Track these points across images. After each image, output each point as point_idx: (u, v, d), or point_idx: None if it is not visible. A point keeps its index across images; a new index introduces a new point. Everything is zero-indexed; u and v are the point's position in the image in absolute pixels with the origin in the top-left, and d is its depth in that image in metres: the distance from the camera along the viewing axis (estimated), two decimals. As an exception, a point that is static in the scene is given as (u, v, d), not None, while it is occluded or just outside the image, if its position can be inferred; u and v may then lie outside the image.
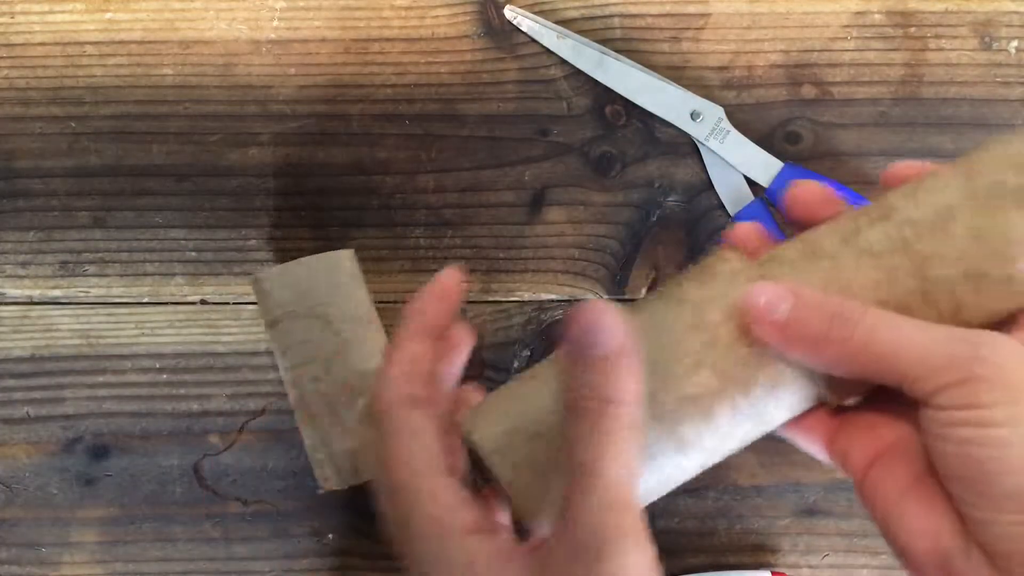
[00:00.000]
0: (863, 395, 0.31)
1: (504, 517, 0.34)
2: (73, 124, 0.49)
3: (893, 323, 0.28)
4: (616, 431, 0.27)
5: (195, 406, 0.48)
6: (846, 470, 0.32)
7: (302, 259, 0.43)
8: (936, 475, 0.29)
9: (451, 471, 0.30)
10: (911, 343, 0.28)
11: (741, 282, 0.31)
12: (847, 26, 0.50)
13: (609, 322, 0.27)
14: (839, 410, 0.32)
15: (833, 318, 0.28)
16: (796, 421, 0.32)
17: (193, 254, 0.49)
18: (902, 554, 0.29)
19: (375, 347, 0.43)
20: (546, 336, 0.49)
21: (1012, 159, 0.29)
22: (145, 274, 0.49)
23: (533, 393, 0.31)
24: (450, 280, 0.34)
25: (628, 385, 0.27)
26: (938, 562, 0.28)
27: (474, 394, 0.37)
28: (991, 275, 0.29)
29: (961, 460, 0.27)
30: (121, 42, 0.50)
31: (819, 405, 0.32)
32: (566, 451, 0.28)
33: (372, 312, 0.44)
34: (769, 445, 0.49)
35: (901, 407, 0.30)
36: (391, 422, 0.31)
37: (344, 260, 0.44)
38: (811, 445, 0.33)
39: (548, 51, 0.49)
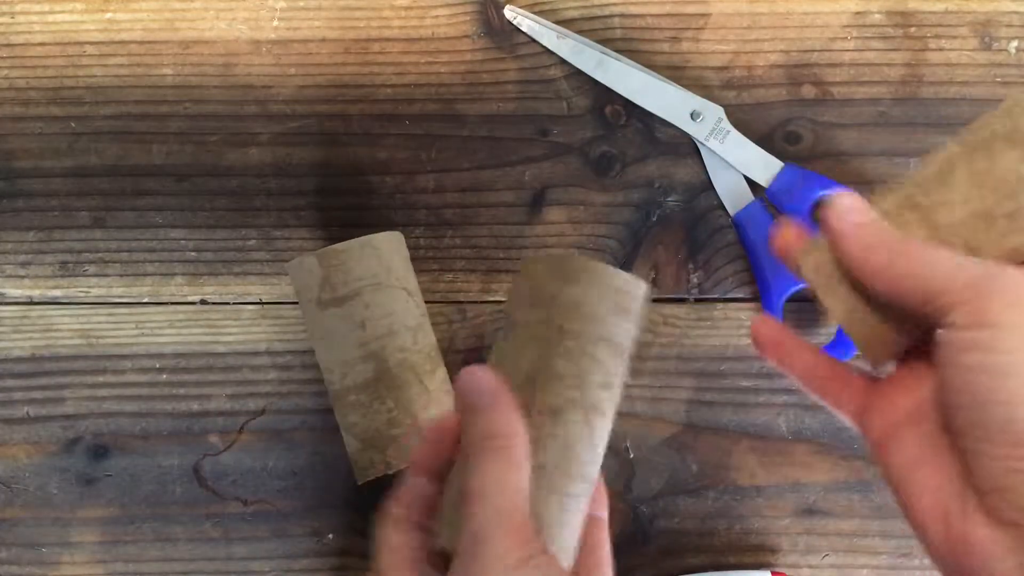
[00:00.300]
0: (894, 358, 0.33)
1: None
2: (73, 124, 0.49)
3: (930, 246, 0.31)
4: (496, 460, 0.32)
5: (195, 406, 0.48)
6: (867, 436, 0.34)
7: (376, 235, 0.43)
8: (946, 439, 0.30)
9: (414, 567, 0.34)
10: (941, 260, 0.30)
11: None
12: (847, 26, 0.50)
13: (480, 379, 0.33)
14: (870, 381, 0.34)
15: (889, 233, 0.31)
16: (833, 392, 0.35)
17: (193, 254, 0.49)
18: (907, 512, 0.31)
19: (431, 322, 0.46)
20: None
21: (999, 112, 0.32)
22: (145, 274, 0.49)
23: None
24: (448, 423, 0.36)
25: (501, 421, 0.32)
26: (939, 516, 0.29)
27: None
28: (995, 212, 0.31)
29: (965, 388, 0.28)
30: (121, 42, 0.50)
31: (854, 378, 0.34)
32: (462, 485, 0.32)
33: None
34: (769, 445, 0.49)
35: (919, 380, 0.32)
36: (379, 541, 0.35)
37: (402, 239, 0.45)
38: (843, 414, 0.35)
39: (548, 51, 0.49)
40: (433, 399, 0.42)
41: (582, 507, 0.34)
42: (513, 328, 0.36)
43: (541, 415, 0.34)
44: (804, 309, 0.49)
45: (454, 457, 0.35)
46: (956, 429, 0.29)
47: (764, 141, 0.49)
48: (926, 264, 0.30)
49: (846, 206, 0.32)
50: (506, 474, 0.32)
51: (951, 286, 0.29)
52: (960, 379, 0.28)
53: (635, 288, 0.35)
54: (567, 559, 0.34)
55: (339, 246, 0.42)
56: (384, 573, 0.34)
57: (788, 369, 0.37)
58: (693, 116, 0.49)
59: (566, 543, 0.34)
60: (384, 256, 0.43)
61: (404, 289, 0.43)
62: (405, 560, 0.34)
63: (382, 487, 0.47)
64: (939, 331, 0.29)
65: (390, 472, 0.42)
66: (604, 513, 0.38)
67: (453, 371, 0.48)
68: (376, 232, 0.43)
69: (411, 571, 0.34)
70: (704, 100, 0.49)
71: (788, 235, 0.35)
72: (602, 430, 0.35)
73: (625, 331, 0.35)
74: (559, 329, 0.34)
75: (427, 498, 0.35)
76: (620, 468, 0.49)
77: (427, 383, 0.42)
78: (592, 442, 0.34)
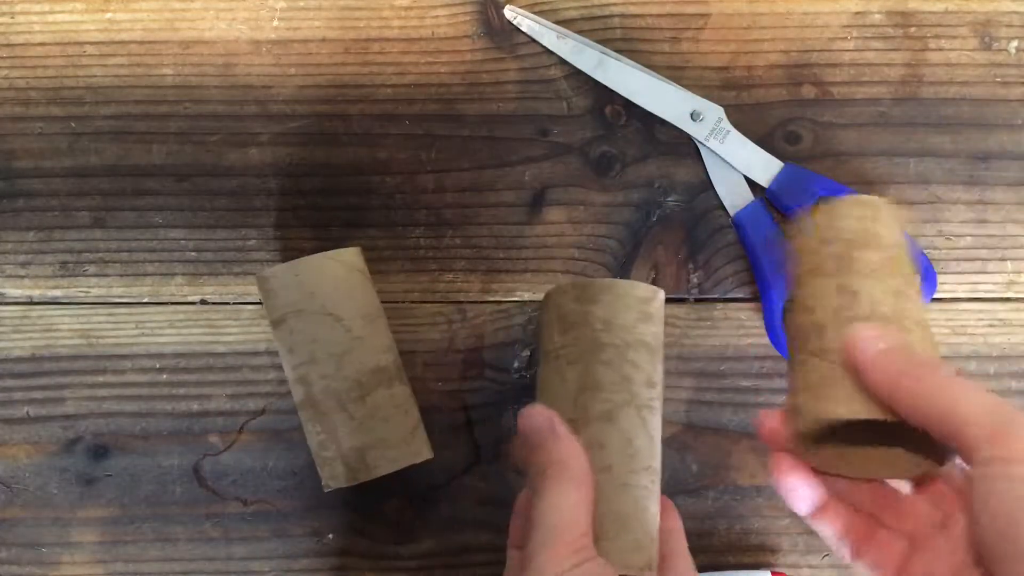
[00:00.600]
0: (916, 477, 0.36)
1: None
2: (73, 124, 0.49)
3: (958, 379, 0.32)
4: (555, 482, 0.35)
5: (195, 406, 0.48)
6: (877, 571, 0.36)
7: (308, 257, 0.42)
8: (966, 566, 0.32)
9: None
10: (971, 394, 0.31)
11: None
12: (847, 26, 0.50)
13: (536, 417, 0.37)
14: (867, 516, 0.37)
15: (915, 360, 0.33)
16: (827, 520, 0.37)
17: (193, 254, 0.49)
18: None
19: (383, 343, 0.44)
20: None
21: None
22: (145, 274, 0.49)
23: None
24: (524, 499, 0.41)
25: (558, 448, 0.36)
26: None
27: None
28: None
29: (1011, 521, 0.29)
30: (121, 42, 0.50)
31: (849, 510, 0.37)
32: (531, 512, 0.36)
33: (379, 308, 0.44)
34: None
35: (928, 508, 0.35)
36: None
37: (351, 257, 0.44)
38: (840, 547, 0.37)
39: (548, 51, 0.49)
40: (359, 426, 0.42)
41: (654, 496, 0.38)
42: (548, 357, 0.40)
43: (598, 422, 0.37)
44: (804, 309, 0.49)
45: None
46: (993, 559, 0.30)
47: (764, 141, 0.49)
48: (951, 396, 0.31)
49: (868, 336, 0.33)
50: (564, 494, 0.35)
51: (979, 420, 0.30)
52: (1004, 511, 0.29)
53: (655, 295, 0.40)
54: (653, 544, 0.37)
55: (267, 271, 0.42)
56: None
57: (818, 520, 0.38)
58: (693, 116, 0.49)
59: (649, 528, 0.37)
60: (306, 282, 0.42)
61: (329, 315, 0.42)
62: None
63: (382, 488, 0.47)
64: (972, 467, 0.30)
65: (332, 488, 0.42)
66: (678, 524, 0.40)
67: (453, 372, 0.48)
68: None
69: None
70: (704, 100, 0.49)
71: (770, 423, 0.37)
72: (655, 424, 0.39)
73: (653, 334, 0.39)
74: (596, 344, 0.38)
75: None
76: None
77: (352, 410, 0.42)
78: (649, 435, 0.38)
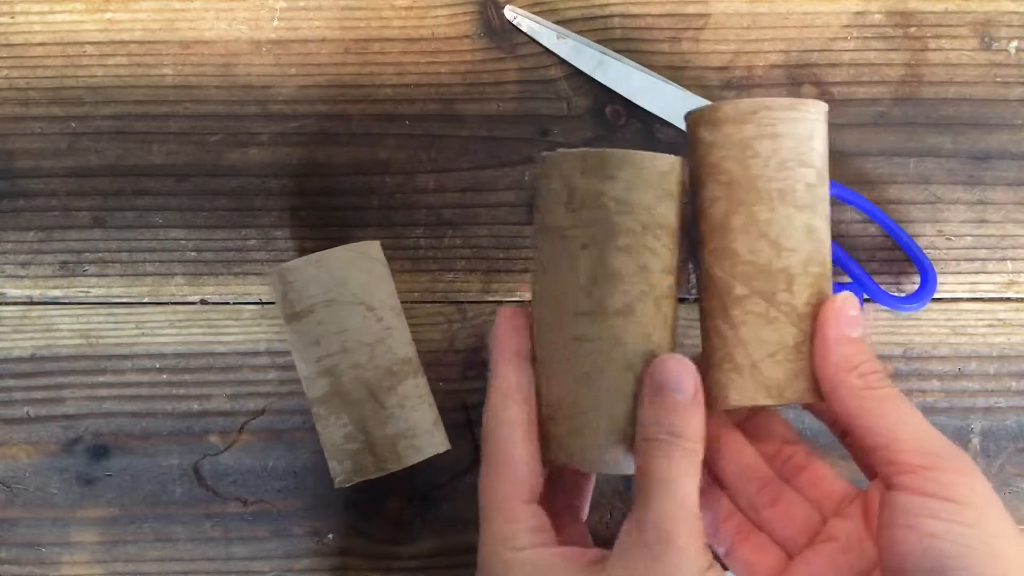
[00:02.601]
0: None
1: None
2: (73, 124, 0.49)
3: (904, 399, 0.32)
4: (683, 458, 0.32)
5: (195, 406, 0.48)
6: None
7: (334, 248, 0.43)
8: None
9: (531, 497, 0.35)
10: (914, 419, 0.32)
11: None
12: (847, 26, 0.50)
13: (688, 375, 0.33)
14: (746, 513, 0.37)
15: (874, 362, 0.33)
16: (706, 505, 0.36)
17: (193, 254, 0.49)
18: None
19: (407, 334, 0.44)
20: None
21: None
22: (145, 274, 0.49)
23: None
24: (513, 312, 0.37)
25: (694, 426, 0.33)
26: None
27: None
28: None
29: (926, 552, 0.29)
30: (121, 42, 0.50)
31: (729, 504, 0.37)
32: (640, 467, 0.33)
33: (398, 301, 0.45)
34: (769, 445, 0.49)
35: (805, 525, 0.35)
36: (490, 447, 0.35)
37: (375, 250, 0.44)
38: (716, 539, 0.37)
39: (548, 51, 0.49)
40: (390, 415, 0.42)
41: None
42: (551, 235, 0.36)
43: (616, 316, 0.34)
44: (804, 309, 0.49)
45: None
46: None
47: (764, 141, 0.49)
48: (896, 415, 0.31)
49: (850, 315, 0.33)
50: (690, 475, 0.32)
51: (914, 447, 0.31)
52: (919, 543, 0.30)
53: (673, 167, 0.36)
54: None
55: (292, 263, 0.42)
56: (500, 443, 0.35)
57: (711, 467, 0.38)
58: (693, 116, 0.49)
59: None
60: (336, 272, 0.42)
61: (362, 304, 0.42)
62: (517, 484, 0.34)
63: (383, 488, 0.47)
64: (890, 490, 0.31)
65: (353, 483, 0.42)
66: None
67: (453, 372, 0.48)
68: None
69: (526, 501, 0.35)
70: (704, 100, 0.49)
71: None
72: (672, 312, 0.36)
73: (674, 213, 0.36)
74: (611, 227, 0.35)
75: (524, 384, 0.36)
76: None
77: (383, 399, 0.42)
78: (668, 326, 0.36)
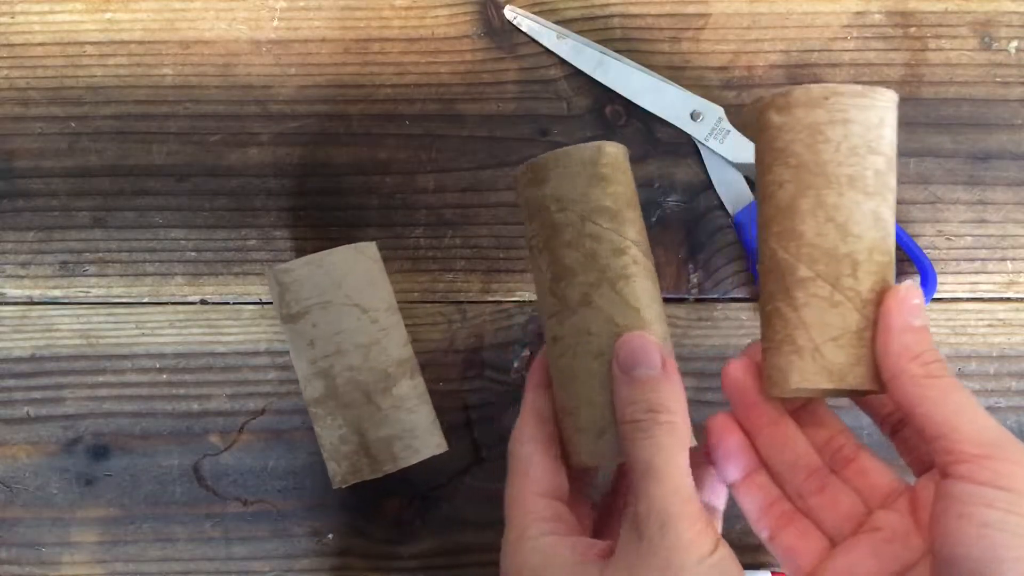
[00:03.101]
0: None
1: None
2: (73, 124, 0.49)
3: (965, 390, 0.32)
4: (666, 434, 0.32)
5: (195, 406, 0.48)
6: (790, 563, 0.35)
7: (332, 249, 0.42)
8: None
9: (546, 493, 0.35)
10: (974, 410, 0.31)
11: None
12: (847, 26, 0.50)
13: (652, 348, 0.33)
14: (792, 498, 0.36)
15: (934, 351, 0.32)
16: (752, 492, 0.36)
17: (193, 254, 0.49)
18: None
19: (404, 335, 0.44)
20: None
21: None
22: (145, 274, 0.49)
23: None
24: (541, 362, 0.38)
25: (671, 398, 0.33)
26: None
27: None
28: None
29: (978, 541, 0.29)
30: (121, 42, 0.50)
31: (775, 489, 0.36)
32: (627, 455, 0.33)
33: (395, 301, 0.45)
34: (769, 445, 0.49)
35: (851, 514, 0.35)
36: (512, 460, 0.36)
37: (371, 251, 0.44)
38: (759, 524, 0.37)
39: (548, 51, 0.49)
40: (385, 417, 0.42)
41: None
42: (528, 247, 0.38)
43: (581, 308, 0.35)
44: (804, 309, 0.49)
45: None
46: (941, 569, 0.30)
47: (764, 141, 0.49)
48: (956, 405, 0.31)
49: (914, 305, 0.33)
50: (677, 452, 0.32)
51: (973, 437, 0.30)
52: (974, 532, 0.29)
53: (599, 152, 0.36)
54: None
55: (288, 264, 0.42)
56: (517, 453, 0.36)
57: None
58: (693, 116, 0.49)
59: None
60: (331, 274, 0.42)
61: (356, 306, 0.42)
62: (537, 481, 0.35)
63: (383, 488, 0.47)
64: (947, 480, 0.30)
65: (350, 484, 0.42)
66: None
67: (453, 372, 0.48)
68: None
69: (542, 453, 0.35)
70: (704, 100, 0.49)
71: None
72: (638, 290, 0.35)
73: (612, 194, 0.36)
74: (554, 227, 0.36)
75: (545, 410, 0.36)
76: (620, 467, 0.49)
77: (378, 401, 0.42)
78: (632, 307, 0.35)
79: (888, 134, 0.35)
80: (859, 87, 0.34)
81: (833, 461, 0.37)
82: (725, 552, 0.31)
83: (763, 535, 0.36)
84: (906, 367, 0.32)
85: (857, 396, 0.36)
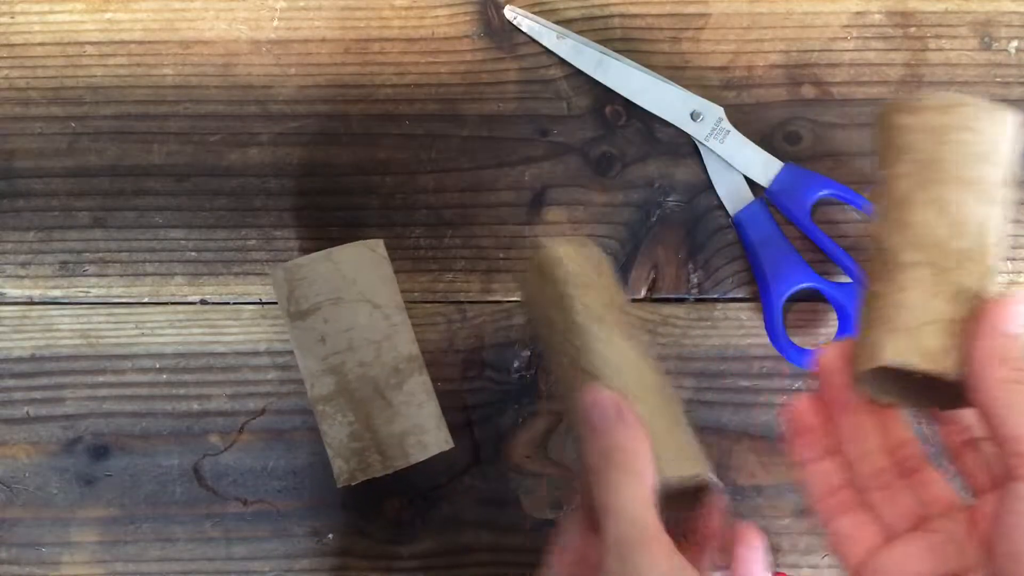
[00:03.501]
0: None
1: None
2: (73, 124, 0.49)
3: None
4: (619, 472, 0.33)
5: (195, 406, 0.48)
6: (840, 549, 0.36)
7: (340, 247, 0.43)
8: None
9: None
10: None
11: None
12: (847, 26, 0.50)
13: (602, 400, 0.35)
14: (856, 489, 0.36)
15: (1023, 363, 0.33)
16: (820, 473, 0.37)
17: (193, 254, 0.49)
18: None
19: (411, 332, 0.44)
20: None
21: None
22: (145, 274, 0.49)
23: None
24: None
25: (626, 437, 0.34)
26: None
27: None
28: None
29: None
30: (121, 42, 0.50)
31: (844, 477, 0.37)
32: (597, 499, 0.34)
33: (402, 298, 0.45)
34: (769, 445, 0.49)
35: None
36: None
37: (380, 248, 0.44)
38: (817, 505, 0.37)
39: (548, 51, 0.49)
40: (396, 413, 0.42)
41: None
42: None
43: (585, 385, 0.36)
44: (804, 309, 0.49)
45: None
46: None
47: (764, 141, 0.49)
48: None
49: (1013, 311, 0.33)
50: (633, 486, 0.33)
51: None
52: None
53: (550, 251, 0.38)
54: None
55: (300, 260, 0.42)
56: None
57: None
58: (693, 116, 0.49)
59: None
60: (345, 270, 0.42)
61: (368, 302, 0.42)
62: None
63: (383, 488, 0.47)
64: (1012, 483, 0.31)
65: (358, 481, 0.42)
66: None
67: (453, 372, 0.48)
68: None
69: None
70: (704, 100, 0.49)
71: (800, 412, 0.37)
72: (591, 360, 0.37)
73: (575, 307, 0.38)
74: (548, 321, 0.38)
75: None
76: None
77: (390, 397, 0.42)
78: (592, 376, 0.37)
79: (1007, 149, 0.36)
80: (989, 102, 0.35)
81: (900, 468, 0.37)
82: (688, 574, 0.32)
83: (820, 517, 0.37)
84: (994, 368, 0.32)
85: (941, 407, 0.37)
